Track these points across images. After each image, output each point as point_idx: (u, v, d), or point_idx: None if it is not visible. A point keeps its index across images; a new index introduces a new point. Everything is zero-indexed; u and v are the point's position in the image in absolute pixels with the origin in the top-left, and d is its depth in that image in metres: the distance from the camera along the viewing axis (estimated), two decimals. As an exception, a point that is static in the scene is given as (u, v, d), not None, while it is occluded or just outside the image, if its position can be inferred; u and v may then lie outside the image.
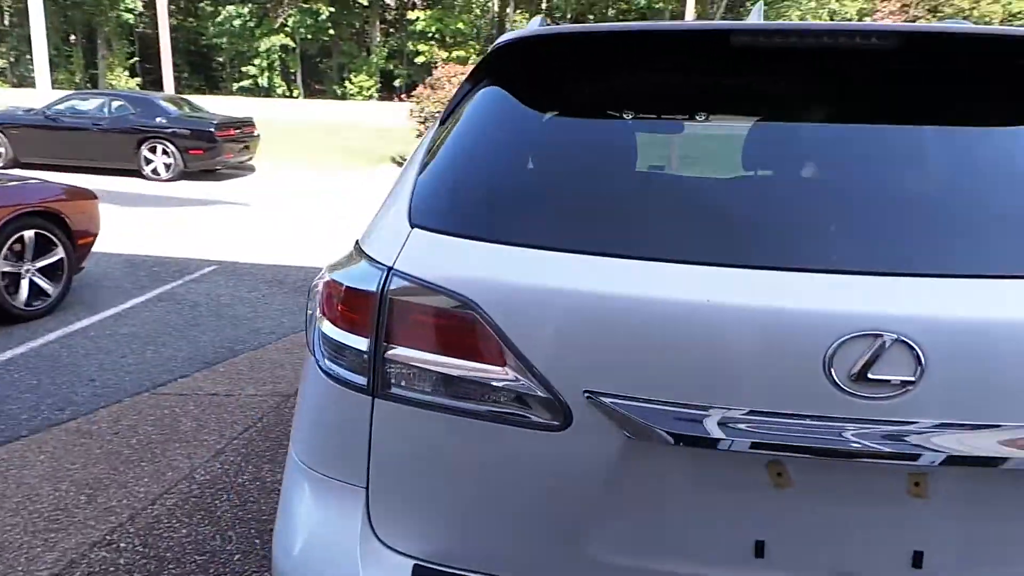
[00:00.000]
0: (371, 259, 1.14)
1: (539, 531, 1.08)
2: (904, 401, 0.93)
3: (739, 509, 1.04)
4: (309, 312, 1.28)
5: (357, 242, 1.26)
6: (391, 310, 1.08)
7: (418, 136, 15.98)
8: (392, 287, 1.08)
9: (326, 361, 1.17)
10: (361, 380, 1.11)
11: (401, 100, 19.70)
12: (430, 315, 1.08)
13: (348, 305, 1.14)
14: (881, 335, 0.92)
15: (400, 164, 17.04)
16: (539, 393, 1.02)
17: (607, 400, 1.00)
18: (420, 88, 15.85)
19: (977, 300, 0.95)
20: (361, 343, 1.10)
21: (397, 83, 44.16)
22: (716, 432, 0.98)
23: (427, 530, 1.12)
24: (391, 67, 44.30)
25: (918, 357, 0.92)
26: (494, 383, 1.04)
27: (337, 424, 1.16)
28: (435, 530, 1.12)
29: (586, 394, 1.01)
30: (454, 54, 38.59)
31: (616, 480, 1.03)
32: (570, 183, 1.21)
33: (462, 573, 1.10)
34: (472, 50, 40.36)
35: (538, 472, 1.06)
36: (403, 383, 1.08)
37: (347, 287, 1.15)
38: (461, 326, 1.05)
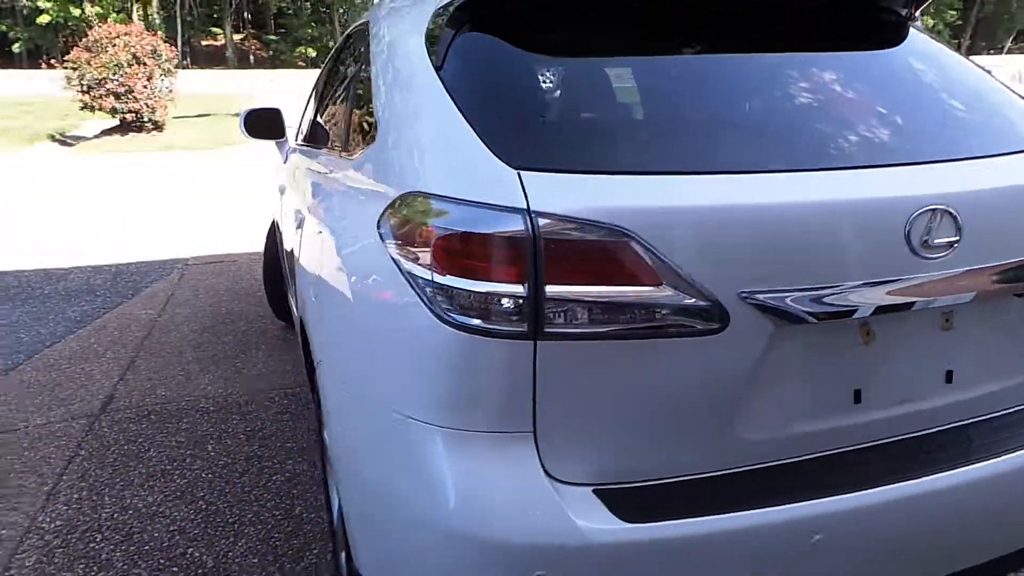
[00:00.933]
0: (489, 205, 1.09)
1: (697, 428, 1.18)
2: (951, 256, 1.23)
3: (843, 368, 1.26)
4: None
5: (415, 200, 1.18)
6: (544, 251, 1.06)
7: (84, 108, 13.57)
8: (541, 228, 1.06)
9: (457, 316, 1.10)
10: (518, 327, 1.08)
11: (52, 67, 16.46)
12: (584, 249, 1.08)
13: (487, 254, 1.09)
14: (936, 208, 1.20)
15: (64, 142, 14.32)
16: (699, 303, 1.10)
17: (761, 296, 1.12)
18: (76, 52, 13.41)
19: (985, 176, 1.30)
20: (514, 289, 1.07)
21: (16, 48, 36.60)
22: (847, 305, 1.17)
23: (597, 456, 1.16)
24: (2, 28, 36.41)
25: (957, 222, 1.22)
26: (654, 302, 1.09)
27: (489, 377, 1.12)
28: (605, 454, 1.16)
29: (741, 294, 1.12)
30: (91, 11, 33.07)
31: (760, 365, 1.17)
32: (655, 116, 1.31)
33: (637, 484, 1.17)
34: (111, 7, 34.92)
35: (697, 375, 1.15)
36: (563, 321, 1.08)
37: (483, 234, 1.09)
38: (616, 254, 1.08)
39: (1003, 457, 1.27)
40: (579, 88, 1.30)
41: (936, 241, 1.20)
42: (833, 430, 1.26)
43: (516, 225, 1.06)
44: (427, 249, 1.13)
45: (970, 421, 1.36)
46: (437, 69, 1.31)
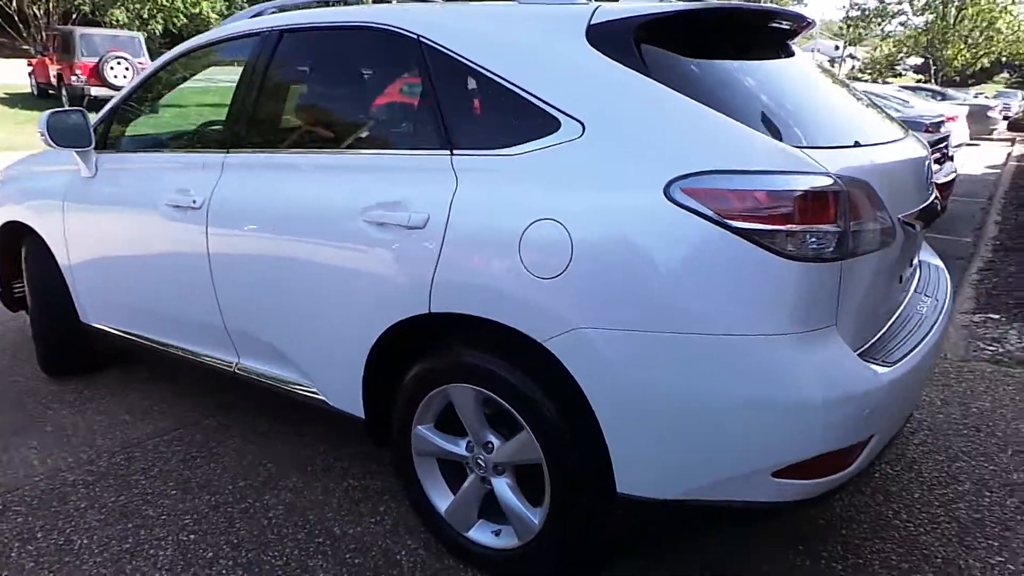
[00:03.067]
0: (809, 172, 1.53)
1: (887, 297, 1.91)
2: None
3: (904, 258, 1.95)
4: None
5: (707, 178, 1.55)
6: (849, 200, 1.55)
7: None
8: (846, 185, 1.55)
9: (802, 251, 1.50)
10: (836, 253, 1.54)
11: None
12: (861, 196, 1.60)
13: (817, 207, 1.52)
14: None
15: None
16: (891, 224, 1.70)
17: (903, 217, 1.80)
18: None
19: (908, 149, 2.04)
20: (834, 228, 1.52)
21: None
22: (914, 221, 1.88)
23: (859, 332, 1.71)
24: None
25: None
26: (883, 225, 1.67)
27: (819, 291, 1.54)
28: (863, 330, 1.74)
29: (898, 217, 1.75)
30: None
31: (901, 256, 1.89)
32: (816, 108, 2.00)
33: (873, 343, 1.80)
34: None
35: (887, 267, 1.81)
36: (854, 245, 1.57)
37: (817, 191, 1.52)
38: (868, 197, 1.63)
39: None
40: (774, 87, 1.91)
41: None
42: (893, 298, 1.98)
43: (834, 185, 1.53)
44: (772, 208, 1.49)
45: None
46: (644, 72, 1.68)
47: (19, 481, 2.49)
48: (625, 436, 1.63)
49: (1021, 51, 29.73)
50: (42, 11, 20.28)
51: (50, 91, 17.09)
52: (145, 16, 21.59)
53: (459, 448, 1.98)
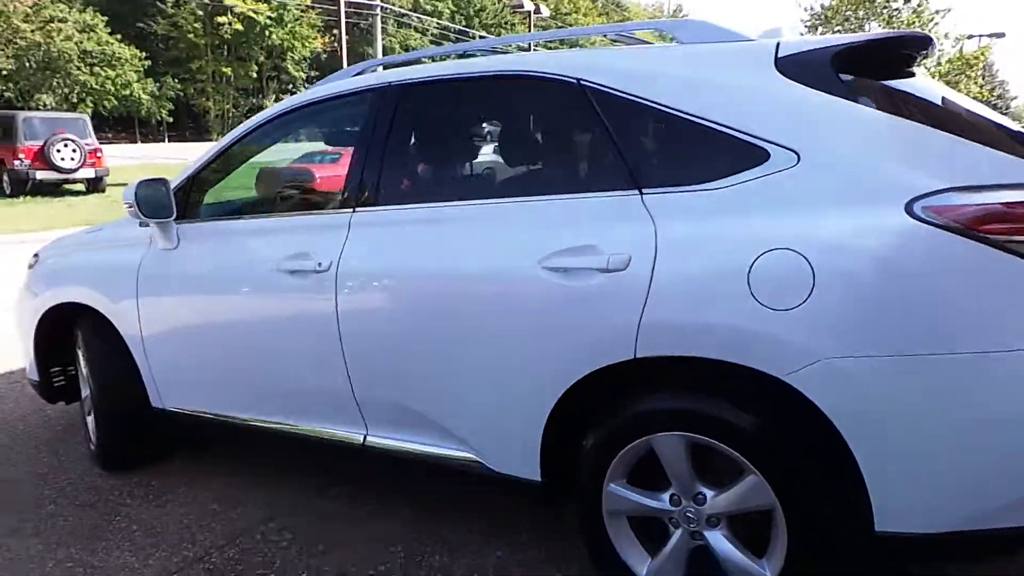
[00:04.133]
0: None
1: None
2: None
3: None
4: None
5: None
6: None
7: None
8: None
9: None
10: None
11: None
12: None
13: None
14: None
15: None
16: None
17: None
18: None
19: None
20: None
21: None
22: None
23: None
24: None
25: None
26: None
27: None
28: None
29: None
30: None
31: None
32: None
33: None
34: None
35: None
36: None
37: None
38: None
39: None
40: (950, 104, 1.84)
41: None
42: None
43: None
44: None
45: None
46: (849, 98, 1.69)
47: (127, 589, 2.21)
48: (888, 467, 1.56)
49: None
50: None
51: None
52: (74, 100, 21.19)
53: (662, 503, 1.86)
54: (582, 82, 1.95)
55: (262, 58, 45.58)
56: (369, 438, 2.32)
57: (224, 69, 43.74)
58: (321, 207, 2.49)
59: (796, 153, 1.66)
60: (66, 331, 3.18)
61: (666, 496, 1.86)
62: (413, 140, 2.33)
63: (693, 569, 1.87)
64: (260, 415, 2.55)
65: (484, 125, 2.31)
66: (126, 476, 2.99)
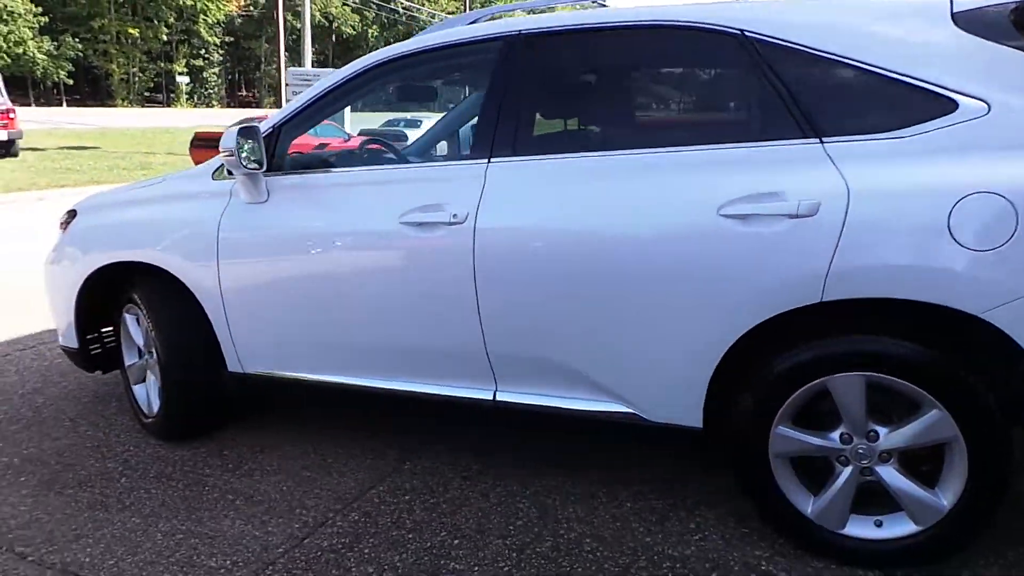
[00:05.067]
0: None
1: None
2: None
3: None
4: None
5: None
6: None
7: None
8: None
9: None
10: None
11: None
12: None
13: None
14: None
15: None
16: None
17: None
18: None
19: None
20: None
21: None
22: None
23: None
24: None
25: None
26: None
27: None
28: None
29: None
30: None
31: None
32: None
33: None
34: None
35: None
36: None
37: None
38: None
39: None
40: None
41: None
42: None
43: None
44: None
45: None
46: None
47: (262, 555, 2.11)
48: None
49: None
50: None
51: None
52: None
53: (831, 442, 1.93)
54: (746, 33, 1.96)
55: (172, 19, 42.87)
56: (499, 395, 2.28)
57: (130, 30, 40.92)
58: (446, 157, 2.39)
59: (986, 103, 1.73)
60: (109, 294, 2.95)
61: (835, 435, 1.93)
62: (557, 90, 2.28)
63: (858, 503, 1.95)
64: (367, 377, 2.46)
65: (635, 76, 2.27)
66: (190, 446, 2.82)
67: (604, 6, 2.35)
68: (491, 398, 2.29)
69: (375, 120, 20.39)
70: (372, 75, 2.50)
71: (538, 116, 2.23)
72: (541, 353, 2.17)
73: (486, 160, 2.20)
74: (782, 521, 2.02)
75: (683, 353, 1.99)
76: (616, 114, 2.31)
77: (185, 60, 58.02)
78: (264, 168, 2.45)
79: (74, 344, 3.02)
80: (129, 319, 2.94)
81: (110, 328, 3.08)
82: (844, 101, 1.89)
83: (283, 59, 17.49)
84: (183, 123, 30.00)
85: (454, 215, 2.17)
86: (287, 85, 18.45)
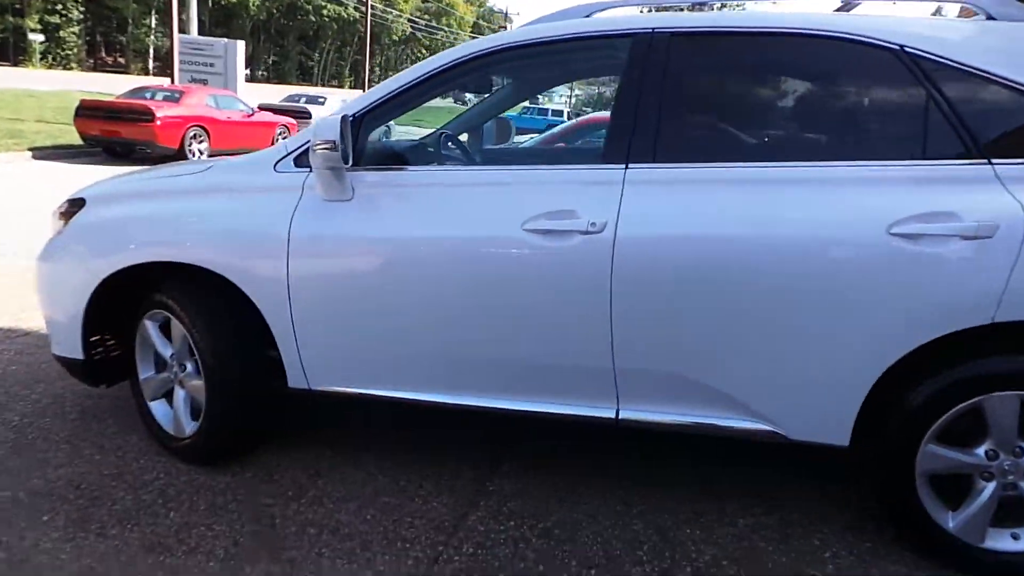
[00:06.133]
0: None
1: None
2: None
3: None
4: None
5: None
6: None
7: None
8: None
9: None
10: None
11: None
12: None
13: None
14: None
15: None
16: None
17: None
18: None
19: None
20: None
21: None
22: None
23: None
24: None
25: None
26: None
27: None
28: None
29: None
30: None
31: None
32: None
33: None
34: None
35: None
36: None
37: None
38: None
39: None
40: None
41: None
42: None
43: None
44: None
45: None
46: None
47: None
48: None
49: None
50: None
51: None
52: None
53: (977, 458, 1.97)
54: (906, 49, 1.94)
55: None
56: (623, 413, 2.16)
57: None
58: (569, 160, 2.23)
59: None
60: (121, 298, 2.56)
61: (980, 451, 1.97)
62: (704, 95, 2.16)
63: (997, 516, 2.00)
64: (467, 395, 2.26)
65: (788, 84, 2.20)
66: (230, 471, 2.50)
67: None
68: (613, 416, 2.16)
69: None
70: (476, 64, 2.28)
71: (681, 122, 2.11)
72: (675, 370, 2.07)
73: (623, 166, 2.06)
74: (923, 536, 2.05)
75: (840, 372, 1.95)
76: (770, 124, 2.23)
77: (39, 16, 52.42)
78: (350, 163, 2.18)
79: (78, 355, 2.59)
80: (151, 326, 2.55)
81: (107, 336, 2.66)
82: (1011, 124, 1.91)
83: (175, 24, 16.05)
84: (40, 86, 26.98)
85: (592, 223, 2.02)
86: (179, 54, 17.01)
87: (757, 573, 2.03)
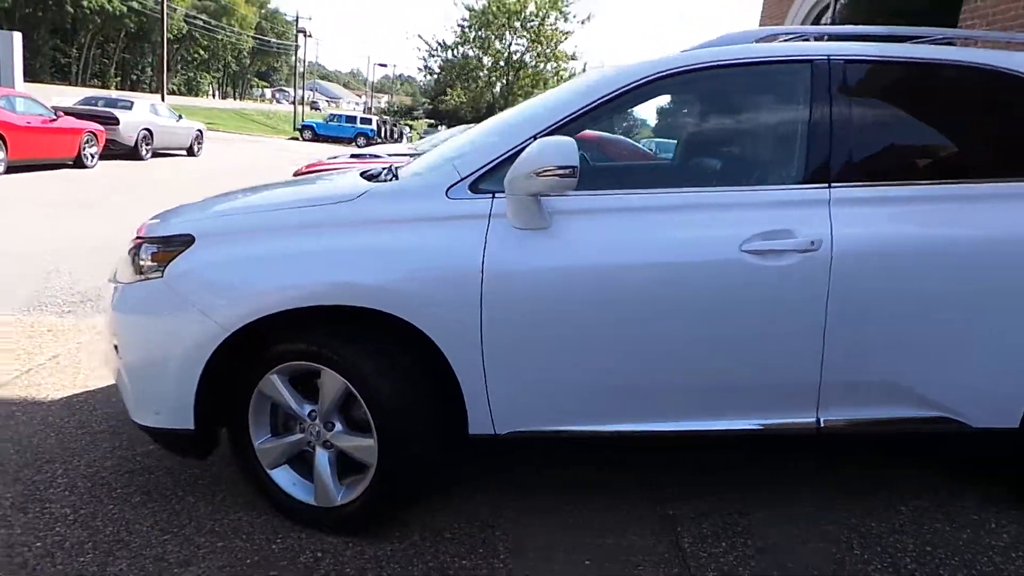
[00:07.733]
0: None
1: None
2: None
3: None
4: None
5: None
6: None
7: None
8: None
9: None
10: None
11: None
12: None
13: None
14: None
15: None
16: None
17: None
18: None
19: None
20: None
21: None
22: None
23: None
24: None
25: None
26: None
27: None
28: None
29: None
30: None
31: None
32: None
33: None
34: None
35: None
36: None
37: None
38: None
39: None
40: None
41: None
42: None
43: None
44: None
45: None
46: None
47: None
48: None
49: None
50: None
51: None
52: None
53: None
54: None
55: None
56: (823, 419, 2.26)
57: None
58: (756, 180, 2.26)
59: None
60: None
61: None
62: (879, 118, 2.32)
63: None
64: (670, 421, 2.21)
65: (939, 109, 2.40)
66: (393, 537, 2.22)
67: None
68: (814, 423, 2.25)
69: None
70: (653, 87, 2.24)
71: (871, 143, 2.25)
72: (878, 375, 2.21)
73: (826, 186, 2.16)
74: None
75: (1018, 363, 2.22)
76: (963, 146, 2.44)
77: None
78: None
79: (187, 425, 2.14)
80: (279, 382, 2.18)
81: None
82: None
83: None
84: None
85: (812, 242, 2.09)
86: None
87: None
